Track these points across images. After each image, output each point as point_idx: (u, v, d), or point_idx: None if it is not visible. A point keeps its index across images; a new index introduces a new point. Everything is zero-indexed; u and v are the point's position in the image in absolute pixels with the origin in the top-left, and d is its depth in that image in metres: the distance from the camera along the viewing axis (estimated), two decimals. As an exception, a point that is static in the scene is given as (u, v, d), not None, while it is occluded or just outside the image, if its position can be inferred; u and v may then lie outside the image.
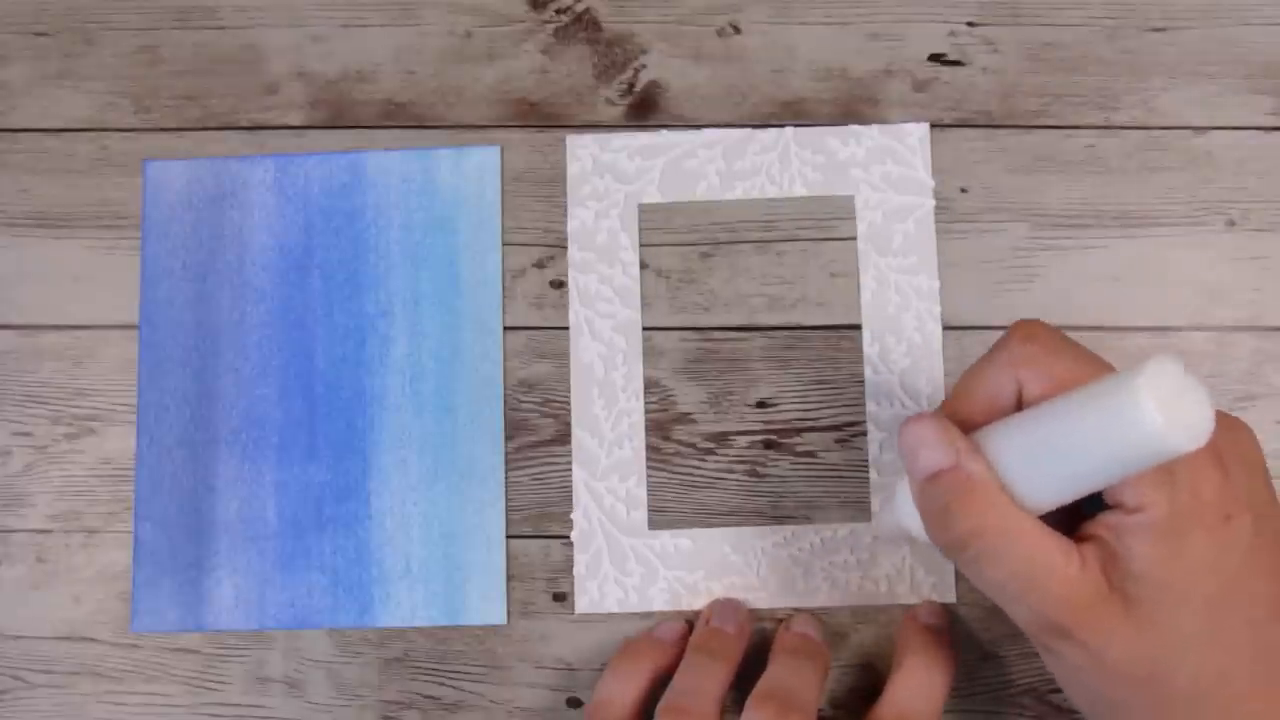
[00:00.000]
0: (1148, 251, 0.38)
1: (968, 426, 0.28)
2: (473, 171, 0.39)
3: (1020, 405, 0.28)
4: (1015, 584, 0.26)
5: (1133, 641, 0.26)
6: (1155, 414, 0.23)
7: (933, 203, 0.38)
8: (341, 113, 0.39)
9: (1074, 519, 0.27)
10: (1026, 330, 0.28)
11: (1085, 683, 0.27)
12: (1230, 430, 0.27)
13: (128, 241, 0.39)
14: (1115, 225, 0.38)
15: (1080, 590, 0.26)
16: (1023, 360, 0.27)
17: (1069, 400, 0.25)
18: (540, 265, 0.38)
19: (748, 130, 0.39)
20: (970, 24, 0.39)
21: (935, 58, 0.39)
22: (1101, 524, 0.26)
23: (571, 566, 0.37)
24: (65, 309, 0.39)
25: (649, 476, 0.37)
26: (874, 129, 0.38)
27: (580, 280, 0.38)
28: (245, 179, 0.39)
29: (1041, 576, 0.26)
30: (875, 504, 0.37)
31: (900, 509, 0.30)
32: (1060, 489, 0.26)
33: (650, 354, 0.38)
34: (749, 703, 0.31)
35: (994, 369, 0.28)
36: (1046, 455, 0.26)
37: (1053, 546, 0.26)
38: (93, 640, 0.37)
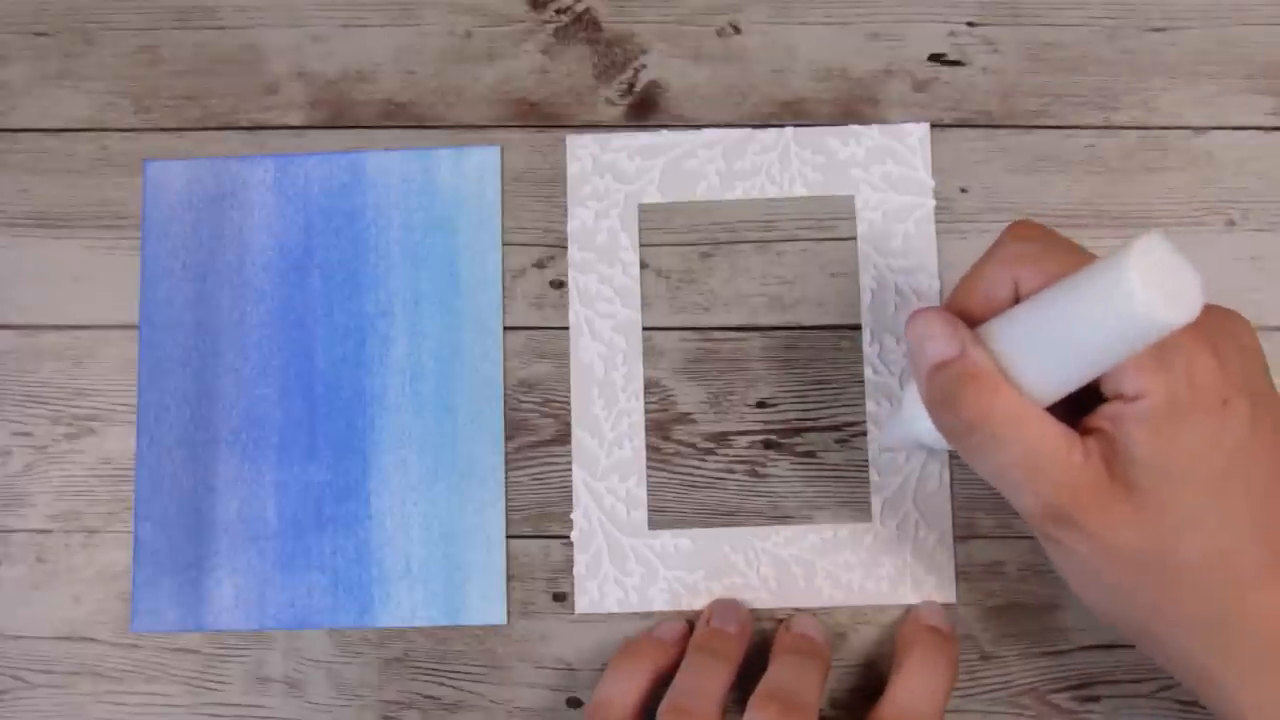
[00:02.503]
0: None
1: (968, 323, 0.28)
2: (473, 171, 0.39)
3: (1017, 302, 0.28)
4: (1019, 470, 0.27)
5: (1135, 525, 0.26)
6: (1143, 288, 0.23)
7: (933, 203, 0.38)
8: (341, 113, 0.39)
9: (1076, 417, 0.27)
10: (1021, 229, 0.29)
11: (1089, 571, 0.28)
12: (1226, 319, 0.28)
13: (128, 241, 0.39)
14: (1115, 225, 0.38)
15: (1083, 477, 0.26)
16: (1017, 258, 0.28)
17: (1062, 285, 0.26)
18: (540, 265, 0.38)
19: (748, 130, 0.39)
20: (970, 24, 0.39)
21: (935, 58, 0.39)
22: (1101, 415, 0.27)
23: (571, 566, 0.37)
24: (65, 309, 0.39)
25: (649, 476, 0.37)
26: (874, 129, 0.38)
27: (580, 280, 0.38)
28: (245, 179, 0.39)
29: (1045, 462, 0.26)
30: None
31: (908, 411, 0.31)
32: (1060, 376, 0.26)
33: (650, 354, 0.38)
34: (751, 703, 0.31)
35: (990, 268, 0.28)
36: (1044, 342, 0.26)
37: (1057, 434, 0.26)
38: (93, 640, 0.37)
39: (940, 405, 0.28)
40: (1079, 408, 0.27)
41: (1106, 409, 0.27)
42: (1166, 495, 0.26)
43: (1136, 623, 0.28)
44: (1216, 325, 0.27)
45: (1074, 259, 0.27)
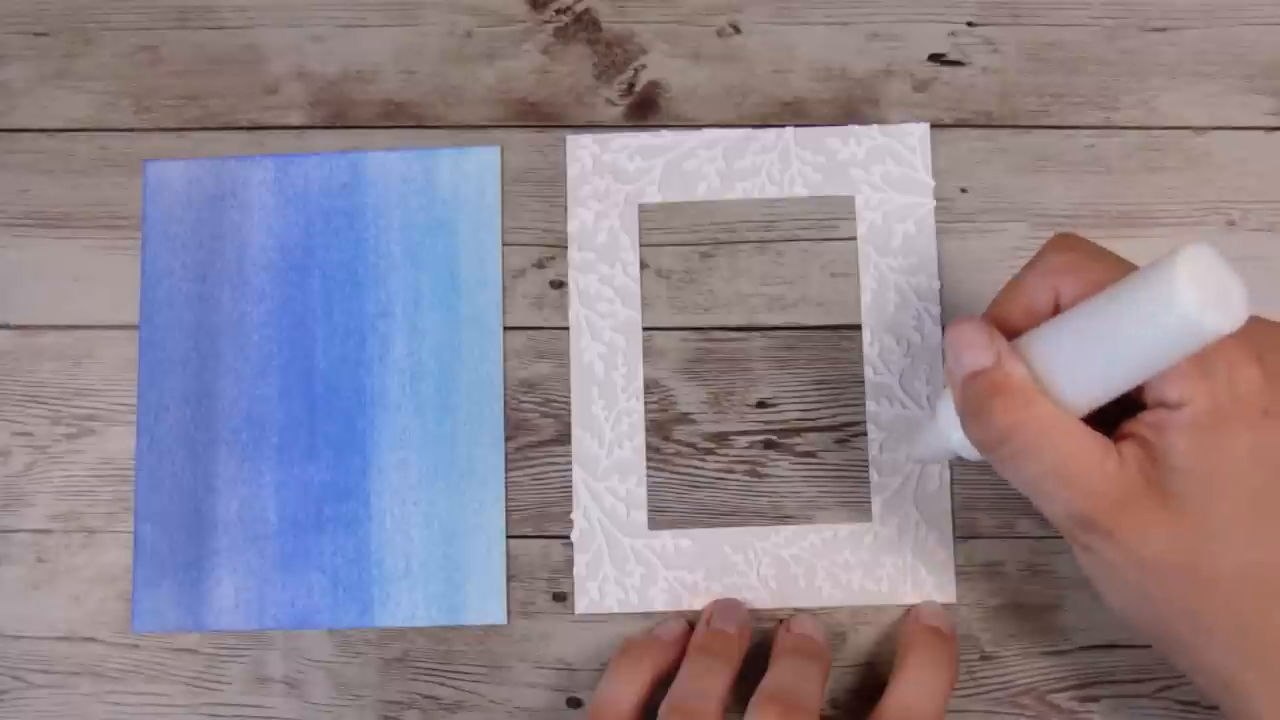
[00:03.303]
0: (1148, 251, 0.37)
1: (1007, 334, 0.28)
2: (473, 171, 0.39)
3: (1057, 313, 0.28)
4: (1052, 480, 0.27)
5: (1170, 534, 0.26)
6: (1190, 294, 0.23)
7: (933, 203, 0.38)
8: (341, 113, 0.39)
9: (1113, 425, 0.27)
10: (1063, 241, 0.29)
11: (1121, 579, 0.28)
12: (1271, 331, 0.28)
13: (128, 241, 0.39)
14: (1115, 225, 0.38)
15: (1117, 485, 0.26)
16: (1059, 269, 0.28)
17: (1106, 293, 0.26)
18: (540, 265, 0.38)
19: (748, 130, 0.39)
20: (970, 24, 0.39)
21: (935, 58, 0.39)
22: (1141, 422, 0.27)
23: (571, 566, 0.37)
24: (65, 309, 0.39)
25: (649, 476, 0.37)
26: (874, 129, 0.38)
27: (580, 280, 0.38)
28: (245, 179, 0.39)
29: (1078, 472, 0.26)
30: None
31: (942, 422, 0.31)
32: (1100, 385, 0.26)
33: (650, 354, 0.38)
34: (752, 704, 0.31)
35: (1032, 278, 0.28)
36: (1086, 350, 0.26)
37: (1090, 443, 0.26)
38: (93, 640, 0.37)
39: (972, 416, 0.28)
40: (1113, 415, 0.27)
41: (1147, 416, 0.26)
42: (1204, 505, 0.26)
43: (1164, 630, 0.28)
44: (1261, 336, 0.27)
45: (1116, 269, 0.27)
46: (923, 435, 0.33)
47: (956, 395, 0.28)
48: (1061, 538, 0.36)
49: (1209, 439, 0.26)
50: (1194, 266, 0.24)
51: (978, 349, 0.27)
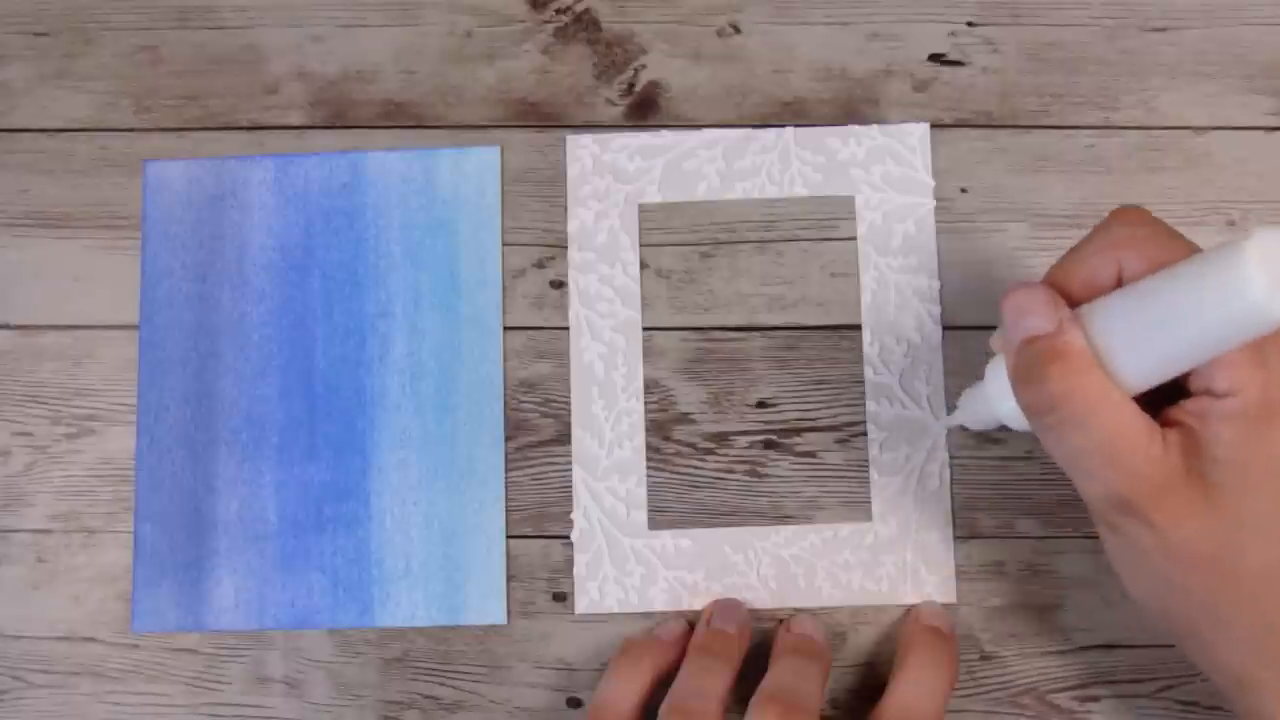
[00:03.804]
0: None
1: (1067, 303, 0.28)
2: (473, 171, 0.39)
3: (1119, 287, 0.28)
4: (1096, 455, 0.26)
5: (1205, 523, 0.26)
6: (1260, 278, 0.23)
7: (933, 203, 0.38)
8: (341, 113, 0.39)
9: (1157, 410, 0.27)
10: (1127, 214, 0.28)
11: (1147, 564, 0.27)
12: None
13: (128, 241, 0.39)
14: (1115, 225, 0.38)
15: (1159, 470, 0.26)
16: (1124, 242, 0.27)
17: (1170, 271, 0.25)
18: (540, 265, 0.38)
19: (748, 130, 0.39)
20: (970, 24, 0.39)
21: (935, 58, 0.39)
22: (1186, 410, 0.26)
23: (571, 566, 0.37)
24: (65, 309, 0.39)
25: (649, 476, 0.37)
26: (874, 129, 0.38)
27: (580, 280, 0.38)
28: (245, 179, 0.39)
29: (1123, 450, 0.26)
30: (874, 507, 0.37)
31: (991, 388, 0.30)
32: (1157, 365, 0.26)
33: (650, 354, 0.38)
34: (753, 704, 0.31)
35: (1094, 249, 0.28)
36: (1146, 328, 0.26)
37: (1138, 423, 0.26)
38: (93, 640, 0.37)
39: (1025, 380, 0.27)
40: (1161, 401, 0.27)
41: (1192, 404, 0.26)
42: (1242, 498, 0.26)
43: (1184, 621, 0.28)
44: None
45: (1182, 247, 0.27)
46: (970, 401, 0.32)
47: (1010, 360, 0.28)
48: (1062, 537, 0.36)
49: (1256, 431, 0.25)
50: (1265, 251, 0.23)
51: (1039, 314, 0.27)
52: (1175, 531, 0.26)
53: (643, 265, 0.38)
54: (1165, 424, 0.27)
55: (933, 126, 0.38)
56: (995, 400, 0.30)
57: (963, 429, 0.36)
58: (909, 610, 0.36)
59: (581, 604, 0.37)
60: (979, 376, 0.32)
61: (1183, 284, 0.25)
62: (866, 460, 0.37)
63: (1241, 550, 0.26)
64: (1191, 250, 0.27)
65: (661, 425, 0.37)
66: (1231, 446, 0.25)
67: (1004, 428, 0.31)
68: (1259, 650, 0.27)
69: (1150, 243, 0.27)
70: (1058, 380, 0.26)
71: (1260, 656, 0.27)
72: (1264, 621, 0.27)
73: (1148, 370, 0.26)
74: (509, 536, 0.37)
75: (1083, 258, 0.28)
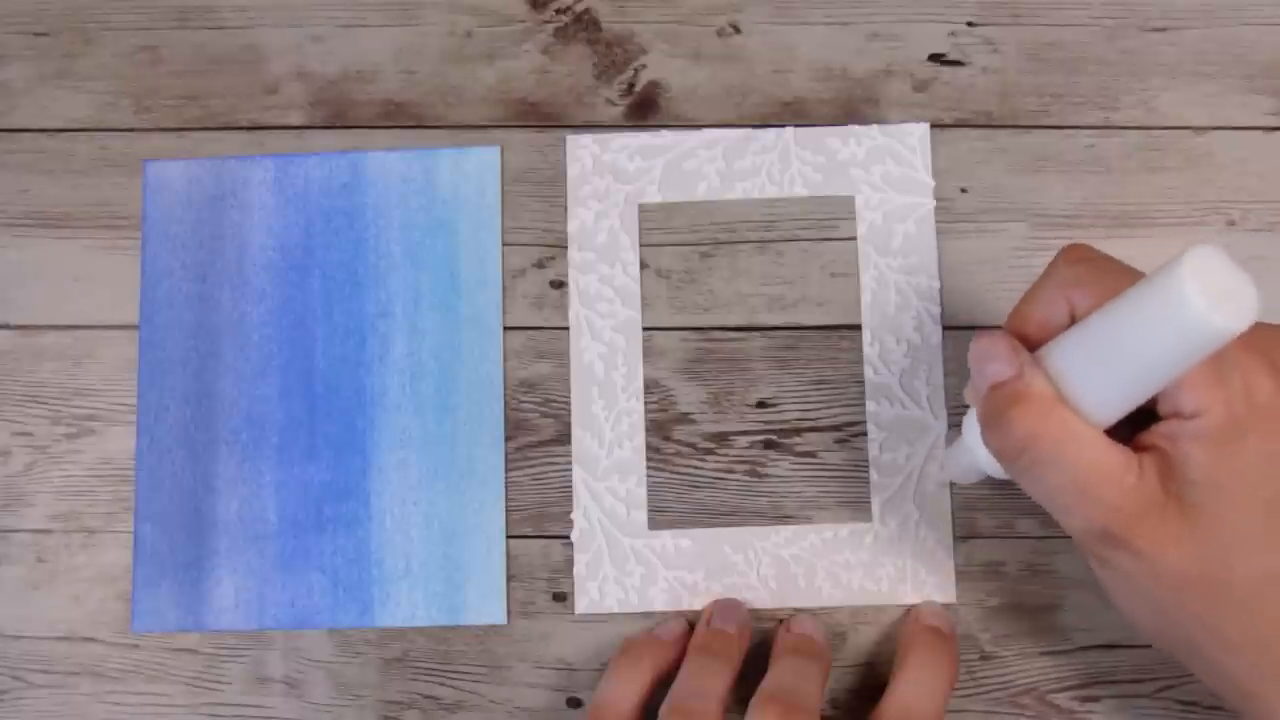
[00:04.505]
0: (1148, 251, 0.38)
1: (1026, 347, 0.28)
2: (473, 171, 0.39)
3: (1073, 325, 0.28)
4: (1071, 491, 0.27)
5: (1188, 544, 0.26)
6: (1197, 293, 0.23)
7: (933, 203, 0.38)
8: (341, 113, 0.39)
9: (1133, 436, 0.27)
10: (1074, 253, 0.29)
11: (1138, 592, 0.28)
12: (1277, 337, 0.27)
13: (128, 241, 0.39)
14: (1115, 225, 0.38)
15: (1136, 498, 0.26)
16: (1072, 281, 0.28)
17: (1116, 302, 0.26)
18: (540, 265, 0.38)
19: (748, 130, 0.39)
20: (970, 24, 0.39)
21: (935, 58, 0.39)
22: (1157, 434, 0.26)
23: (571, 566, 0.37)
24: (65, 309, 0.39)
25: (649, 476, 0.37)
26: (874, 129, 0.38)
27: (580, 280, 0.38)
28: (245, 179, 0.39)
29: (1096, 483, 0.26)
30: (884, 501, 0.37)
31: (968, 437, 0.31)
32: (1118, 395, 0.26)
33: (650, 354, 0.38)
34: (753, 704, 0.31)
35: (1045, 292, 0.28)
36: (1101, 360, 0.26)
37: (1110, 455, 0.26)
38: (93, 640, 0.37)
39: (993, 426, 0.28)
40: (1137, 426, 0.27)
41: (1162, 427, 0.26)
42: (1221, 515, 0.26)
43: (1183, 641, 0.28)
44: (1275, 343, 0.27)
45: (1128, 278, 0.27)
46: (952, 454, 0.33)
47: (979, 407, 0.28)
48: (1061, 538, 0.36)
49: (1225, 449, 0.26)
50: (1200, 266, 0.23)
51: (1000, 361, 0.27)
52: (1161, 557, 0.26)
53: (643, 265, 0.38)
54: (1140, 448, 0.27)
55: (933, 126, 0.38)
56: (974, 450, 0.31)
57: (953, 485, 0.37)
58: (909, 610, 0.36)
59: (581, 604, 0.37)
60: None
61: (1126, 312, 0.25)
62: (866, 460, 0.37)
63: (1229, 567, 0.26)
64: (1137, 279, 0.27)
65: (661, 425, 0.37)
66: (1204, 466, 0.26)
67: (988, 479, 0.32)
68: (1260, 664, 0.27)
69: (1097, 278, 0.27)
70: (1021, 423, 0.27)
71: (1262, 670, 0.27)
72: (1257, 635, 0.27)
73: (1111, 402, 0.26)
74: (509, 536, 0.37)
75: (1035, 300, 0.29)
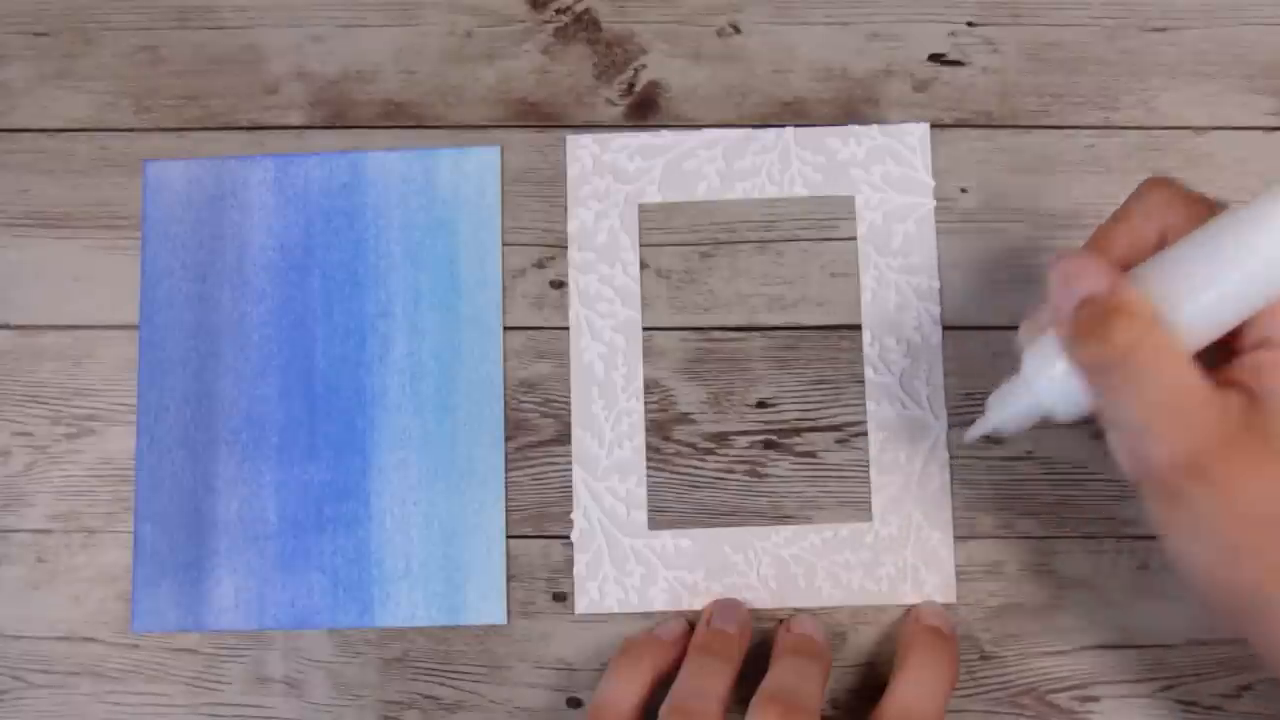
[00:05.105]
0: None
1: None
2: (473, 171, 0.39)
3: (1161, 249, 0.28)
4: (1164, 411, 0.26)
5: (1270, 480, 0.26)
6: None
7: (933, 203, 0.38)
8: (341, 113, 0.39)
9: (1208, 372, 0.27)
10: (1162, 182, 0.28)
11: (1209, 533, 0.27)
12: None
13: (128, 241, 0.39)
14: (1115, 225, 0.38)
15: (1222, 428, 0.26)
16: (1163, 204, 0.28)
17: (1215, 224, 0.26)
18: (540, 265, 0.38)
19: (748, 130, 0.39)
20: (970, 24, 0.39)
21: (935, 58, 0.39)
22: (1242, 366, 0.26)
23: (571, 566, 0.37)
24: (65, 309, 0.39)
25: (649, 476, 0.37)
26: (874, 129, 0.38)
27: (580, 280, 0.38)
28: (245, 179, 0.39)
29: (1188, 407, 0.26)
30: (876, 508, 0.37)
31: (1030, 370, 0.29)
32: (1210, 318, 0.26)
33: (650, 354, 0.38)
34: (753, 705, 0.31)
35: (1136, 216, 0.28)
36: (1195, 282, 0.26)
37: (1202, 380, 0.26)
38: (93, 640, 0.37)
39: (1089, 336, 0.27)
40: (1213, 367, 0.27)
41: (1248, 360, 0.26)
42: None
43: (1246, 587, 0.27)
44: None
45: (1217, 209, 0.27)
46: (1003, 399, 0.31)
47: (1066, 326, 0.27)
48: (1061, 537, 0.36)
49: None
50: None
51: (1094, 275, 0.27)
52: (1242, 491, 0.26)
53: (643, 265, 0.38)
54: (1221, 384, 0.26)
55: (933, 126, 0.38)
56: (1040, 386, 0.29)
57: (987, 439, 0.35)
58: (909, 610, 0.36)
59: (581, 604, 0.37)
60: (991, 383, 0.31)
61: (1228, 232, 0.25)
62: (866, 460, 0.37)
63: None
64: (1222, 210, 0.27)
65: (661, 425, 0.37)
66: None
67: (1043, 423, 0.30)
68: None
69: (1188, 205, 0.27)
70: (1123, 332, 0.26)
71: None
72: None
73: (1204, 325, 0.26)
74: (509, 536, 0.37)
75: (1124, 223, 0.28)
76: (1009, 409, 0.31)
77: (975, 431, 0.32)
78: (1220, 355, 0.27)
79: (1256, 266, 0.25)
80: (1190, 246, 0.26)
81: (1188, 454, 0.26)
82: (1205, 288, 0.26)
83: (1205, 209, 0.27)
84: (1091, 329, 0.27)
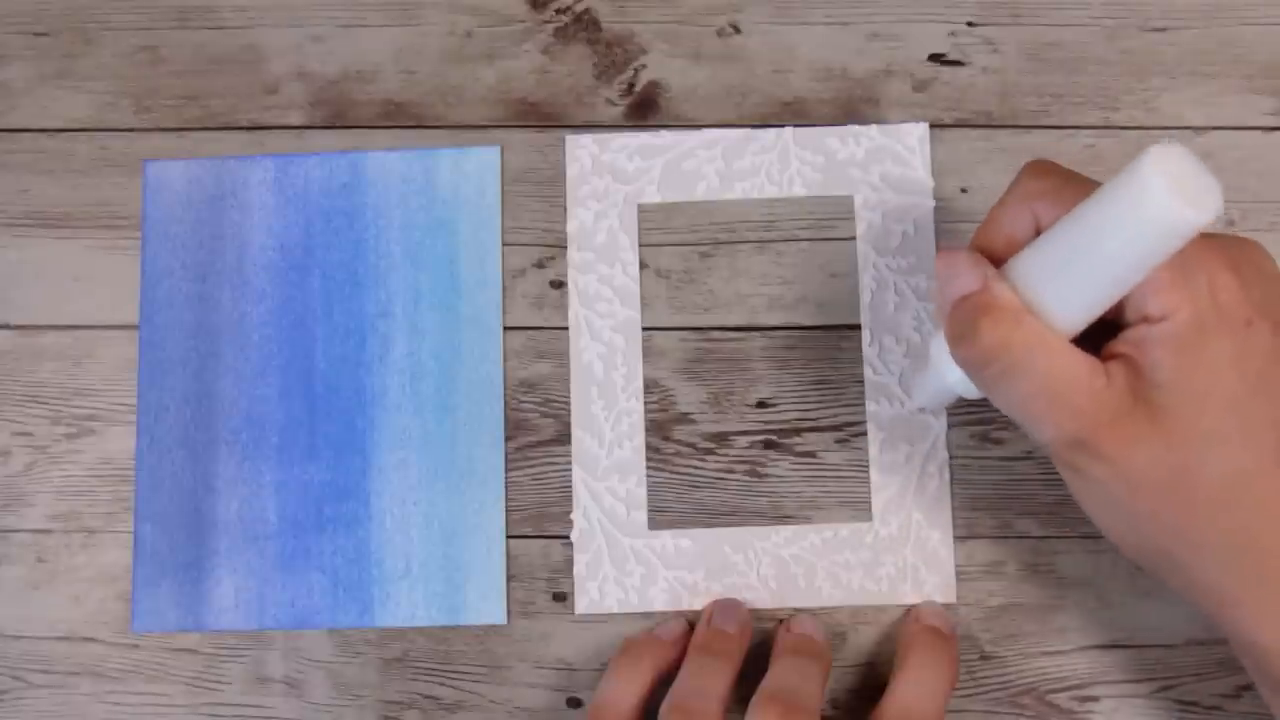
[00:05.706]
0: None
1: (993, 263, 0.28)
2: (473, 171, 0.39)
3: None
4: (1042, 398, 0.27)
5: (1158, 447, 0.26)
6: (1162, 187, 0.23)
7: (933, 203, 0.38)
8: (341, 113, 0.39)
9: (1099, 349, 0.27)
10: (1037, 167, 0.29)
11: (1111, 499, 0.28)
12: (1245, 245, 0.28)
13: (128, 241, 0.39)
14: (1115, 225, 0.38)
15: (1105, 404, 0.26)
16: (1036, 194, 0.28)
17: (1080, 206, 0.26)
18: (540, 265, 0.38)
19: (747, 130, 0.39)
20: (970, 24, 0.39)
21: (935, 58, 0.39)
22: (1125, 340, 0.27)
23: (571, 566, 0.37)
24: (65, 309, 0.39)
25: (649, 476, 0.37)
26: (874, 129, 0.38)
27: (580, 280, 0.38)
28: (245, 179, 0.39)
29: (1066, 390, 0.26)
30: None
31: (935, 361, 0.31)
32: (1084, 300, 0.26)
33: (650, 354, 0.38)
34: (753, 704, 0.31)
35: (1009, 206, 0.29)
36: (1067, 265, 0.26)
37: (1077, 361, 0.26)
38: (93, 640, 0.37)
39: (960, 338, 0.28)
40: (1102, 339, 0.27)
41: (1129, 333, 0.27)
42: (1190, 415, 0.26)
43: (1158, 549, 0.28)
44: (1237, 249, 0.27)
45: (1091, 188, 0.27)
46: (921, 381, 0.33)
47: (947, 323, 0.28)
48: (1061, 537, 0.36)
49: (1191, 350, 0.26)
50: (1164, 161, 0.23)
51: (965, 274, 0.28)
52: (1131, 460, 0.26)
53: (642, 265, 0.38)
54: (1107, 358, 0.27)
55: (932, 126, 0.38)
56: (944, 371, 0.31)
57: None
58: (909, 610, 0.36)
59: (581, 604, 0.37)
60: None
61: (1092, 213, 0.25)
62: (866, 460, 0.37)
63: (1198, 468, 0.26)
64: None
65: (661, 425, 0.37)
66: (1171, 369, 0.26)
67: (960, 401, 0.32)
68: (1231, 568, 0.27)
69: (1061, 189, 0.28)
70: (989, 332, 0.27)
71: (1233, 574, 0.27)
72: (1230, 537, 0.27)
73: (1077, 309, 0.27)
74: (509, 536, 0.37)
75: (999, 215, 0.29)
76: (925, 391, 0.33)
77: (911, 405, 0.36)
78: (1110, 330, 0.27)
79: (1115, 247, 0.25)
80: (1054, 236, 0.27)
81: (1075, 433, 0.27)
82: (1071, 273, 0.26)
83: (1077, 191, 0.27)
84: (963, 330, 0.28)
